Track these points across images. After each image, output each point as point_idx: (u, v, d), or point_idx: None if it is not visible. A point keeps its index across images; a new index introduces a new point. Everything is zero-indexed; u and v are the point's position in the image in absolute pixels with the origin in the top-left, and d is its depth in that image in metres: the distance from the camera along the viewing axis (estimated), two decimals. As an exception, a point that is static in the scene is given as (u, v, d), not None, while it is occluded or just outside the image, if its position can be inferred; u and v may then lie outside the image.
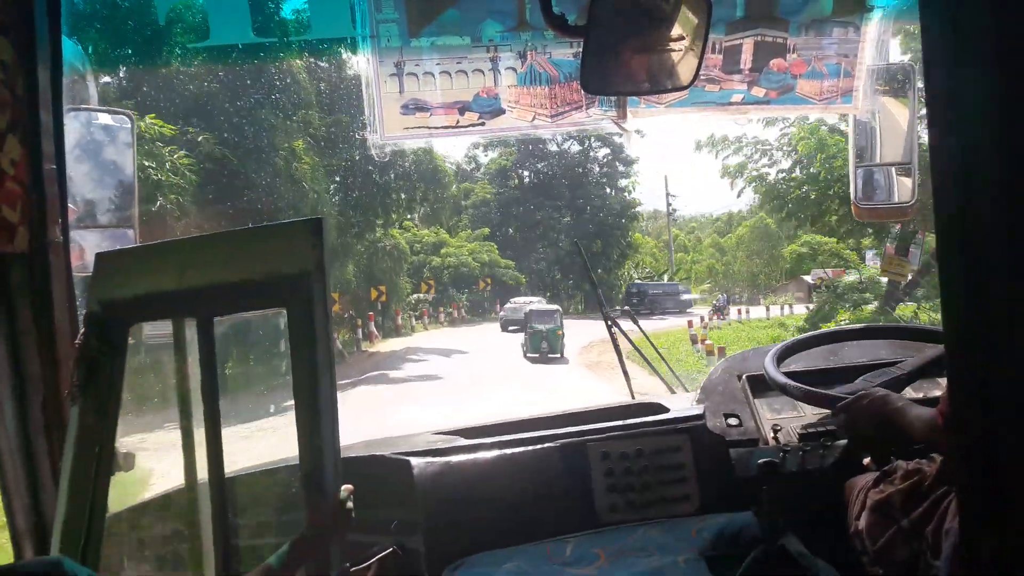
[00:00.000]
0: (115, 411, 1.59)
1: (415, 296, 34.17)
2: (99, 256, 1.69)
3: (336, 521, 1.41)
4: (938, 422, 1.54)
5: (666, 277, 48.48)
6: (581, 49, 1.69)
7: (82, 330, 1.59)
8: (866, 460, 1.94)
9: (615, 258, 45.62)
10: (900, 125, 2.58)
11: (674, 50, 1.77)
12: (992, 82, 0.68)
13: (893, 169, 2.69)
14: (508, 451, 2.02)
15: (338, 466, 1.39)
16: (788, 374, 2.12)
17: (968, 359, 0.74)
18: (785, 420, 2.17)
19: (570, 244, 41.55)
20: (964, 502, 0.89)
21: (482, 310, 38.67)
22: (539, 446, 2.03)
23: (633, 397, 2.74)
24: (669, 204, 53.80)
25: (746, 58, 2.34)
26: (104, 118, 2.13)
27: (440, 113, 2.22)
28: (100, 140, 2.11)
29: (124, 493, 1.86)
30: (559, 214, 44.56)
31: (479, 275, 38.56)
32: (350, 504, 1.43)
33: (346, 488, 1.43)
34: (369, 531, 1.90)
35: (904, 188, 2.67)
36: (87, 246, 2.01)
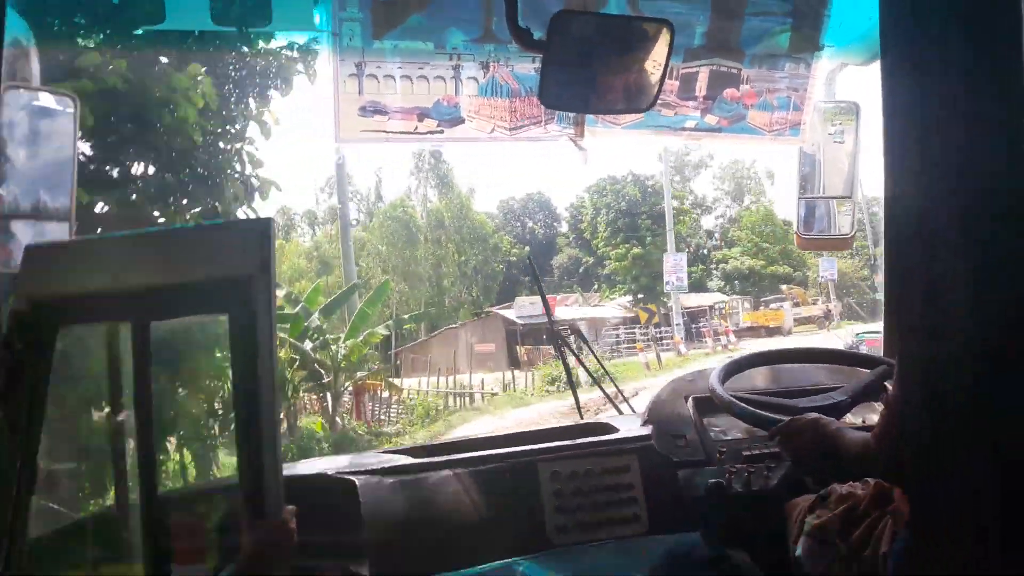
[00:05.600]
0: (39, 420, 1.45)
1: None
2: (28, 249, 1.55)
3: (278, 544, 1.34)
4: (871, 444, 1.59)
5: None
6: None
7: (5, 330, 1.44)
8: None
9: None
10: (843, 159, 2.69)
11: (634, 73, 1.80)
12: (949, 111, 0.71)
13: (834, 202, 2.79)
14: (457, 471, 1.98)
15: (280, 486, 1.31)
16: (734, 395, 2.16)
17: (914, 378, 0.76)
18: (731, 441, 2.19)
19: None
20: (912, 521, 0.92)
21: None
22: (488, 466, 2.01)
23: (582, 417, 2.74)
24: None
25: (701, 86, 2.40)
26: (45, 98, 1.98)
27: (399, 118, 2.19)
28: (39, 122, 1.96)
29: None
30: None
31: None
32: (293, 525, 1.35)
33: (289, 509, 1.35)
34: (313, 554, 1.80)
35: (845, 220, 2.77)
36: (17, 237, 1.87)
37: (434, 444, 2.32)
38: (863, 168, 2.68)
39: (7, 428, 1.43)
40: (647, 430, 2.19)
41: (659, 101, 2.25)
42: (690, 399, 2.31)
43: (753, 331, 33.32)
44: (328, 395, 13.50)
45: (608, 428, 2.30)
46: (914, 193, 0.75)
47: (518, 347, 29.67)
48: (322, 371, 13.19)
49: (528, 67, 2.19)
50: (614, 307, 36.91)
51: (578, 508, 1.96)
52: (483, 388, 20.55)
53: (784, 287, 40.50)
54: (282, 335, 12.13)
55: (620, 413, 2.70)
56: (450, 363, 22.45)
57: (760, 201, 48.89)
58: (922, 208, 0.74)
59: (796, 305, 37.48)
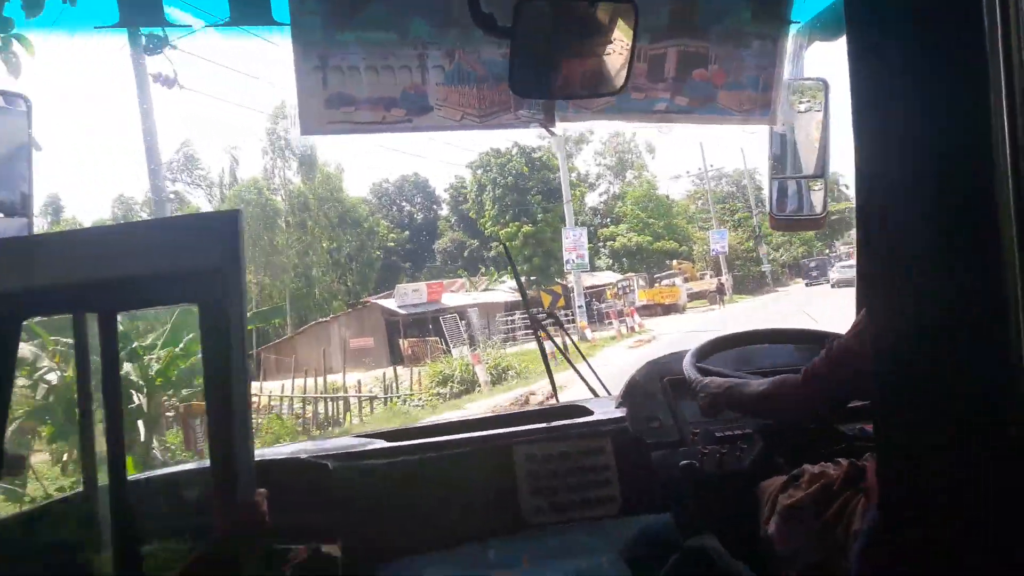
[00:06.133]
0: (3, 411, 1.48)
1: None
2: None
3: (249, 527, 1.35)
4: (797, 382, 1.68)
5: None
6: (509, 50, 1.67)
7: None
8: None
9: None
10: (814, 139, 2.69)
11: (602, 56, 1.79)
12: (916, 93, 0.70)
13: (805, 181, 2.79)
14: (431, 454, 2.01)
15: (251, 469, 1.34)
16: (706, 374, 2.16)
17: (889, 356, 0.76)
18: (705, 423, 2.20)
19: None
20: (883, 499, 0.92)
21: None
22: (463, 449, 2.03)
23: (558, 400, 2.76)
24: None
25: (669, 67, 2.38)
26: (-4, 99, 1.98)
27: (366, 108, 2.15)
28: (-9, 123, 1.96)
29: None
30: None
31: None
32: (264, 508, 1.38)
33: (260, 492, 1.37)
34: (284, 536, 1.85)
35: (817, 199, 2.78)
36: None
37: (409, 428, 2.35)
38: (833, 146, 2.69)
39: None
40: (621, 412, 2.21)
41: (629, 84, 2.23)
42: (665, 380, 2.33)
43: (649, 309, 32.09)
44: (140, 423, 9.46)
45: (583, 411, 2.31)
46: (882, 167, 0.75)
47: (401, 340, 26.60)
48: (132, 391, 9.40)
49: (495, 53, 2.15)
50: (506, 291, 33.64)
51: (553, 490, 1.99)
52: (360, 390, 17.50)
53: (673, 262, 39.69)
54: (63, 347, 8.57)
55: (596, 396, 2.71)
56: (320, 363, 19.29)
57: (642, 176, 47.87)
58: (889, 182, 0.75)
59: (686, 280, 36.61)
